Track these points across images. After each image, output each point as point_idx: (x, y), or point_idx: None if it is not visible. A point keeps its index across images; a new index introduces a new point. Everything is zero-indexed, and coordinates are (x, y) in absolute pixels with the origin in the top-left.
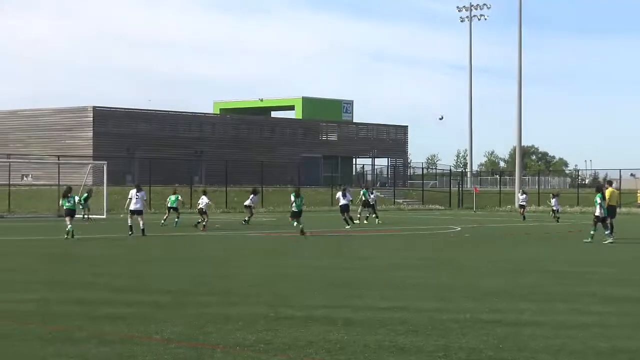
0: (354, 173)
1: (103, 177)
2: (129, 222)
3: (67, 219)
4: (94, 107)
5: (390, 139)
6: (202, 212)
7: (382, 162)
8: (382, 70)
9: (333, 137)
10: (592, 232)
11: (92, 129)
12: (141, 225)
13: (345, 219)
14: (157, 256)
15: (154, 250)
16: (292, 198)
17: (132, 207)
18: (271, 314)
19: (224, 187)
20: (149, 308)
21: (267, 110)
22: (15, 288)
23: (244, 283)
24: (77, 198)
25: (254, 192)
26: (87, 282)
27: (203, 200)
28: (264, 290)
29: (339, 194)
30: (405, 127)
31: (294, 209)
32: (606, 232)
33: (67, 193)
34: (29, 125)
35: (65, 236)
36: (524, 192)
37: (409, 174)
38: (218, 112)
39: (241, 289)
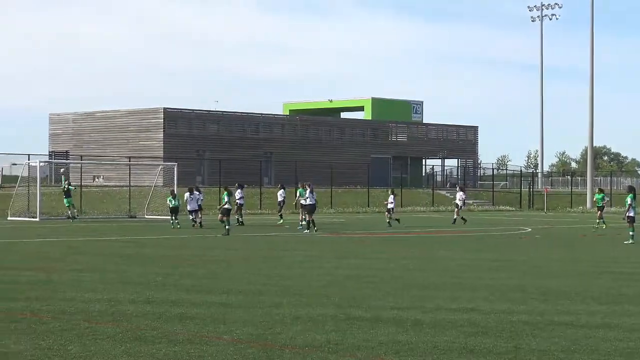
0: (423, 174)
1: (173, 178)
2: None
3: (172, 215)
4: (165, 109)
5: (460, 140)
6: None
7: (452, 163)
8: (452, 70)
9: (402, 138)
10: (631, 233)
11: (162, 130)
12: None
13: (307, 221)
14: (227, 257)
15: (224, 251)
16: (226, 197)
17: (188, 207)
18: (340, 315)
19: (293, 188)
20: (219, 308)
21: (337, 111)
22: (86, 288)
23: (313, 284)
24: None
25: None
26: (158, 282)
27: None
28: (333, 291)
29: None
30: (475, 128)
31: (227, 206)
32: (631, 233)
33: (173, 192)
34: (101, 127)
35: (172, 227)
36: (461, 189)
37: (479, 174)
38: (287, 113)
39: (310, 289)
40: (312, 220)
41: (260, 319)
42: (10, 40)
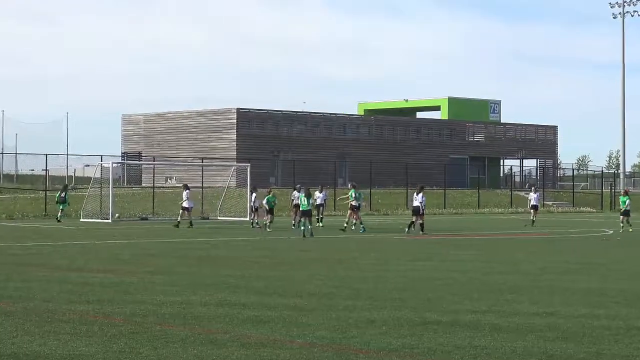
0: (501, 174)
1: (247, 179)
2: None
3: (303, 218)
4: (238, 109)
5: (540, 140)
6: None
7: (530, 163)
8: (530, 69)
9: (480, 138)
10: None
11: (235, 130)
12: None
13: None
14: (300, 259)
15: (297, 253)
16: (302, 199)
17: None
18: (416, 319)
19: (368, 189)
20: (292, 311)
21: (413, 111)
22: (158, 290)
23: (388, 287)
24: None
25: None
26: (230, 284)
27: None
28: (409, 294)
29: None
30: (554, 127)
31: (302, 208)
32: None
33: (308, 194)
34: (174, 128)
35: (303, 236)
36: (536, 190)
37: (558, 175)
38: (362, 114)
39: (385, 292)
40: (413, 223)
41: (333, 322)
42: (84, 43)
